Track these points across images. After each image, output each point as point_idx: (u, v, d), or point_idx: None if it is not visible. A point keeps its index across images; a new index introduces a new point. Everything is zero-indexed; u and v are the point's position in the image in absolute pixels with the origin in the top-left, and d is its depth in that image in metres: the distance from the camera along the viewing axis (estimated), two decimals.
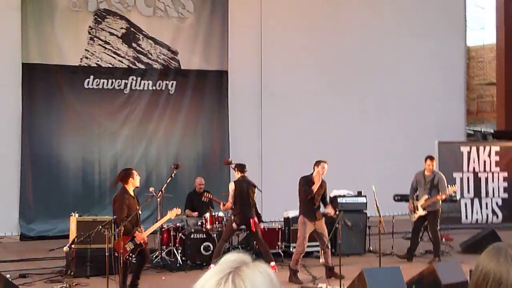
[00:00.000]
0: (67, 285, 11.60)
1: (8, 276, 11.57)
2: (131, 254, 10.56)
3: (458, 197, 17.31)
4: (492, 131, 25.36)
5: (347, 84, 21.19)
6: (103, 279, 9.63)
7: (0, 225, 16.86)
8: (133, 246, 10.53)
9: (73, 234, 13.11)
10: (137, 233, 10.61)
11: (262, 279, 1.94)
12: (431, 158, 14.39)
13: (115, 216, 10.85)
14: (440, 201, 14.17)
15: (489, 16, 31.57)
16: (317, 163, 12.74)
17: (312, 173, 12.67)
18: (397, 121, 21.78)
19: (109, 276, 9.47)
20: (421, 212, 14.12)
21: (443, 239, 16.09)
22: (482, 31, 31.74)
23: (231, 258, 1.95)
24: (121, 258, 10.34)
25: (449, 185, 14.07)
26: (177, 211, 11.33)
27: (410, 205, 14.45)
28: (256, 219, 13.21)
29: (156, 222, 11.99)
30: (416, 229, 14.42)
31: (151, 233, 11.64)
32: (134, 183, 10.91)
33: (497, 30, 24.71)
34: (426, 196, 14.04)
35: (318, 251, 14.20)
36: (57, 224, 16.78)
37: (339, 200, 15.01)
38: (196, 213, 14.73)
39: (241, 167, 13.52)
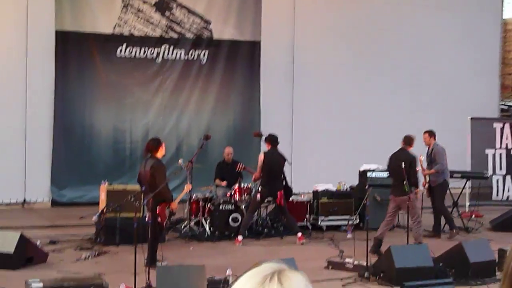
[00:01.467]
0: (97, 253, 11.75)
1: (38, 242, 11.75)
2: (167, 221, 10.90)
3: (489, 174, 17.19)
4: None
5: (379, 59, 21.00)
6: (132, 248, 9.72)
7: (32, 190, 17.03)
8: (168, 214, 10.87)
9: (103, 202, 13.27)
10: (172, 203, 10.97)
11: (304, 281, 1.96)
12: (426, 131, 14.42)
13: (143, 187, 10.98)
14: (440, 174, 14.11)
15: None
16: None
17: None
18: (429, 96, 21.58)
19: (137, 245, 9.55)
20: (421, 188, 13.95)
21: (473, 216, 16.03)
22: None
23: (270, 264, 1.97)
24: (161, 223, 10.85)
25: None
26: (188, 187, 11.61)
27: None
28: (282, 192, 13.22)
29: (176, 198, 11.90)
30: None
31: (179, 203, 11.75)
32: (163, 152, 11.17)
33: None
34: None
35: (346, 225, 14.25)
36: (88, 191, 16.94)
37: (369, 174, 14.96)
38: (225, 182, 14.78)
39: (272, 139, 13.53)
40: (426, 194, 14.22)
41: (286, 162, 13.75)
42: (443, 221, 14.29)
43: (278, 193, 13.10)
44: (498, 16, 23.42)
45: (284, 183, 13.53)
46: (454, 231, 13.80)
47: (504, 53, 26.51)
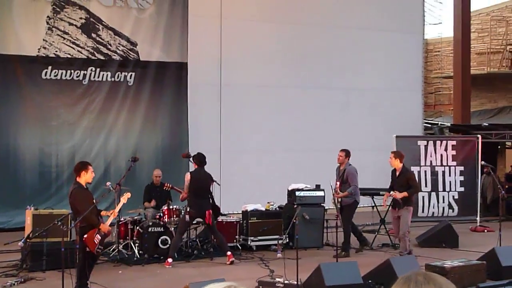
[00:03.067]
0: (22, 279, 11.48)
1: None
2: (100, 246, 10.52)
3: None
4: (449, 124, 25.63)
5: (308, 77, 21.27)
6: (59, 273, 9.55)
7: None
8: (100, 238, 10.48)
9: (28, 227, 13.03)
10: (102, 225, 10.53)
11: None
12: (342, 150, 14.49)
13: (71, 212, 10.76)
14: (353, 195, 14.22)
15: (446, 9, 31.96)
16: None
17: None
18: (357, 115, 21.92)
19: (65, 270, 9.39)
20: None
21: None
22: (440, 24, 32.12)
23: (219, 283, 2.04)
24: (92, 252, 10.35)
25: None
26: (127, 195, 11.15)
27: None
28: (210, 211, 13.21)
29: (113, 210, 11.65)
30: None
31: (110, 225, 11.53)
32: (87, 178, 10.66)
33: (454, 23, 24.95)
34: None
35: (275, 245, 14.28)
36: (13, 217, 16.61)
37: (297, 193, 15.06)
38: (153, 202, 14.72)
39: (199, 159, 13.52)
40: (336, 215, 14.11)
41: (214, 182, 13.76)
42: (353, 237, 14.46)
43: (206, 212, 13.10)
44: (420, 36, 23.99)
45: (211, 202, 13.52)
46: (344, 253, 13.91)
47: (426, 72, 27.18)
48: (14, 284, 11.21)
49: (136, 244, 13.45)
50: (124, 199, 11.05)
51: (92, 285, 10.69)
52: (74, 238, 10.87)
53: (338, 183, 14.00)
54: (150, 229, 13.49)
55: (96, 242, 10.39)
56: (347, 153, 14.38)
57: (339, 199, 13.96)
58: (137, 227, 13.61)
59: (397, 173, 13.62)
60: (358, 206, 14.41)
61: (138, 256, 13.28)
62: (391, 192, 13.48)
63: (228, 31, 20.10)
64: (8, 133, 17.65)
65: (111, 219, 10.96)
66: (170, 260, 12.86)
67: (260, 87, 20.53)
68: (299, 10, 21.49)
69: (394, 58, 22.83)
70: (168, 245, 13.34)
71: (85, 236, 10.33)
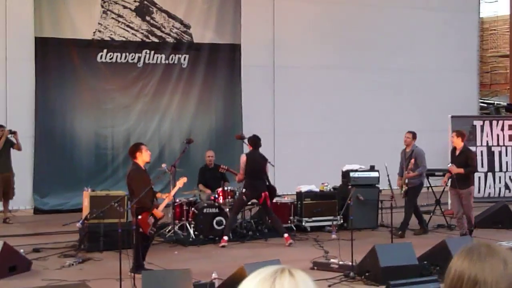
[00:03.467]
0: (81, 260, 11.69)
1: (21, 250, 11.68)
2: (153, 228, 10.65)
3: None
4: (505, 104, 25.21)
5: (361, 58, 21.11)
6: (116, 254, 9.70)
7: (15, 198, 16.89)
8: (154, 220, 10.61)
9: (86, 209, 13.24)
10: (155, 211, 10.63)
11: (310, 278, 2.02)
12: (409, 132, 14.35)
13: (127, 193, 10.88)
14: (419, 176, 14.11)
15: None
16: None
17: None
18: (410, 94, 21.72)
19: (122, 250, 9.51)
20: (405, 188, 14.02)
21: None
22: (496, 2, 31.51)
23: (274, 265, 2.05)
24: (145, 233, 10.46)
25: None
26: (183, 179, 11.20)
27: (398, 182, 14.22)
28: (267, 192, 13.25)
29: (168, 194, 11.74)
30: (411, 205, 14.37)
31: (164, 207, 11.63)
32: (144, 158, 10.82)
33: (510, 1, 24.47)
34: (406, 173, 13.96)
35: (330, 225, 14.27)
36: (71, 198, 16.89)
37: (351, 174, 15.01)
38: (209, 191, 14.76)
39: (254, 141, 13.55)
40: (402, 195, 14.12)
41: (268, 163, 13.79)
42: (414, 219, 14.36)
43: (263, 194, 13.14)
44: (476, 15, 23.60)
45: (267, 183, 13.55)
46: (400, 232, 13.82)
47: (482, 51, 26.74)
48: (72, 264, 11.42)
49: (192, 225, 13.55)
50: (180, 183, 11.09)
51: (149, 266, 10.82)
52: (130, 220, 11.01)
53: (412, 161, 13.85)
54: (205, 210, 13.58)
55: (150, 224, 10.51)
56: (414, 135, 14.30)
57: (406, 180, 13.89)
58: (192, 208, 13.71)
59: (457, 152, 13.49)
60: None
61: (194, 237, 13.39)
62: (448, 165, 13.36)
63: (280, 13, 20.06)
64: (65, 117, 17.90)
65: (166, 202, 11.06)
66: (225, 238, 12.96)
67: (313, 69, 20.45)
68: None
69: (449, 37, 22.51)
70: (223, 226, 13.42)
71: (139, 217, 10.47)
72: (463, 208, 13.24)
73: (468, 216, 13.30)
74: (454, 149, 13.68)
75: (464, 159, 13.34)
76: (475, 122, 18.46)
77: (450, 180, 13.59)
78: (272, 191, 13.70)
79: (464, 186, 13.23)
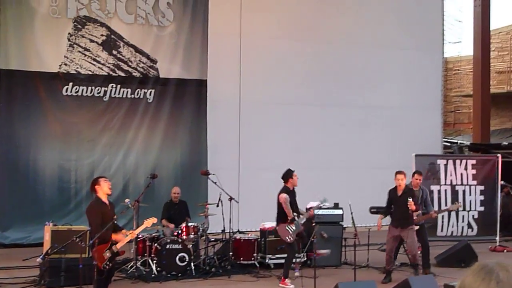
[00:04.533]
0: None
1: None
2: (108, 263, 10.47)
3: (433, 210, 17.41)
4: (468, 143, 25.51)
5: (327, 95, 21.29)
6: None
7: None
8: (110, 255, 10.45)
9: (47, 243, 13.07)
10: (115, 245, 10.39)
11: None
12: (418, 173, 14.61)
13: (89, 228, 10.76)
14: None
15: (466, 28, 31.92)
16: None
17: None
18: (376, 132, 21.90)
19: (83, 286, 9.41)
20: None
21: (419, 252, 16.18)
22: (460, 43, 32.07)
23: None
24: (99, 266, 10.25)
25: (455, 202, 14.29)
26: (153, 220, 11.07)
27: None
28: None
29: (132, 231, 11.66)
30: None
31: (126, 243, 11.47)
32: (104, 190, 10.60)
33: (474, 42, 24.90)
34: (417, 212, 13.98)
35: (294, 263, 14.21)
36: (33, 232, 16.68)
37: (315, 212, 15.00)
38: (172, 225, 14.64)
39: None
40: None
41: (232, 199, 13.90)
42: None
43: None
44: (440, 55, 23.97)
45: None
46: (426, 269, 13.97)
47: (446, 90, 27.10)
48: None
49: (154, 261, 13.45)
50: (148, 223, 10.94)
51: None
52: (91, 255, 10.88)
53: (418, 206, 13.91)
54: (168, 246, 13.49)
55: (105, 258, 10.31)
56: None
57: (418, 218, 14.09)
58: (155, 244, 13.62)
59: (400, 192, 13.60)
60: (375, 225, 14.32)
61: (156, 273, 13.28)
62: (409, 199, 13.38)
63: (247, 49, 20.18)
64: (29, 149, 17.75)
65: (128, 239, 10.86)
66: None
67: (279, 105, 20.56)
68: (318, 29, 21.54)
69: (413, 76, 22.81)
70: (186, 262, 13.34)
71: (94, 249, 10.30)
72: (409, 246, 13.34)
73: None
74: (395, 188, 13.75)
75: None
76: (438, 161, 18.60)
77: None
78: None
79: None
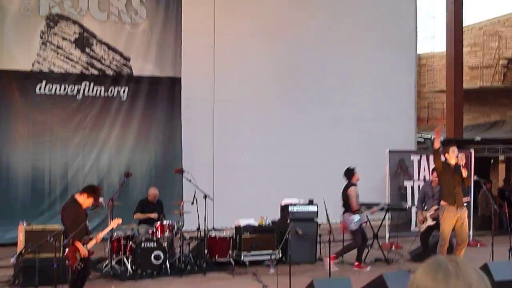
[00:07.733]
0: None
1: None
2: (80, 263, 10.41)
3: (407, 206, 17.55)
4: (442, 138, 25.65)
5: (301, 93, 21.35)
6: None
7: None
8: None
9: (21, 243, 12.98)
10: (80, 249, 10.29)
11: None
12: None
13: (64, 228, 10.70)
14: None
15: (439, 24, 32.14)
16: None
17: None
18: (350, 129, 22.01)
19: (58, 286, 9.37)
20: (430, 222, 14.73)
21: (393, 247, 16.31)
22: (433, 39, 32.28)
23: None
24: (71, 267, 10.20)
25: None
26: (118, 220, 11.04)
27: (420, 217, 15.12)
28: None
29: (99, 233, 11.28)
30: (425, 239, 15.01)
31: (101, 241, 11.41)
32: (86, 203, 10.53)
33: (447, 38, 25.05)
34: (436, 206, 14.27)
35: (269, 260, 14.25)
36: (6, 232, 16.53)
37: (290, 208, 15.06)
38: (147, 216, 14.60)
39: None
40: (423, 229, 15.11)
41: (207, 198, 13.86)
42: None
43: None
44: (413, 52, 24.12)
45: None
46: None
47: (419, 86, 27.27)
48: None
49: (129, 260, 13.40)
50: (114, 224, 10.93)
51: None
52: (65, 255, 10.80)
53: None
54: (143, 245, 13.45)
55: (77, 258, 10.26)
56: None
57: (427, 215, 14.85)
58: (130, 243, 13.57)
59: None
60: None
61: (131, 271, 13.23)
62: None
63: (221, 47, 20.18)
64: (1, 148, 17.60)
65: (93, 242, 10.74)
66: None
67: (253, 103, 20.60)
68: (292, 27, 21.59)
69: (387, 73, 22.94)
70: (161, 261, 13.32)
71: (67, 250, 10.24)
72: None
73: None
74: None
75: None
76: (412, 157, 18.74)
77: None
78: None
79: None
